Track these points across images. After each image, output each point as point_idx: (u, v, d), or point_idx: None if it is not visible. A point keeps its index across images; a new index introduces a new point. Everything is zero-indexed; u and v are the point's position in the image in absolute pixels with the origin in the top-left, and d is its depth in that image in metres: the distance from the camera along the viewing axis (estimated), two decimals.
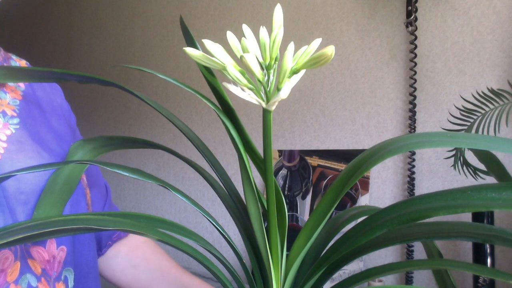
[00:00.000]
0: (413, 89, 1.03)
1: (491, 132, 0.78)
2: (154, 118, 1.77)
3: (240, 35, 0.29)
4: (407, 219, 0.29)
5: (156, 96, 1.75)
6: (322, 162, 1.22)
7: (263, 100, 0.29)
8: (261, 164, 0.33)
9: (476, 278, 0.78)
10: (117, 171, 0.30)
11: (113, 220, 0.27)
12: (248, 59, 0.26)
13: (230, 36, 0.29)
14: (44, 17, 2.46)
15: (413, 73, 1.02)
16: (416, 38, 1.01)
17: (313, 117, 1.25)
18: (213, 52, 0.28)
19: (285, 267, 0.33)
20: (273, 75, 0.28)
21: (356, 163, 0.32)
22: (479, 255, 0.78)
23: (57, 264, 0.46)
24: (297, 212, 1.24)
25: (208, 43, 0.28)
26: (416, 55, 1.02)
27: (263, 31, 0.28)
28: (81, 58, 2.18)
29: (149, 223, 0.31)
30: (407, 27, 1.03)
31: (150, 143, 0.41)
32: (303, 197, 1.24)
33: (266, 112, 0.29)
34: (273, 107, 0.29)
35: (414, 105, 1.03)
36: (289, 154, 1.30)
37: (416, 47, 1.02)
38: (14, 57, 0.56)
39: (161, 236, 0.28)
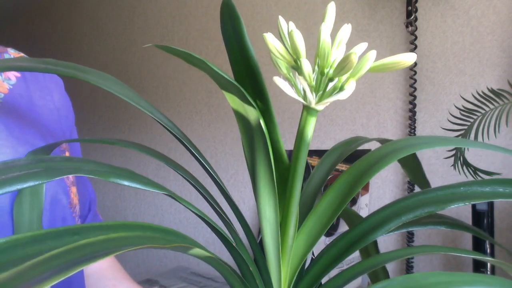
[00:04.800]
0: (413, 89, 1.03)
1: (491, 132, 0.78)
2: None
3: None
4: (425, 212, 0.30)
5: (156, 96, 1.75)
6: None
7: (314, 99, 0.27)
8: (284, 168, 0.32)
9: None
10: (114, 180, 0.27)
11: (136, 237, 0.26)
12: (357, 55, 0.24)
13: (298, 34, 0.26)
14: (44, 17, 2.46)
15: (413, 73, 1.02)
16: (416, 38, 1.01)
17: None
18: (297, 40, 0.26)
19: (290, 269, 0.33)
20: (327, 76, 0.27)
21: (360, 166, 0.32)
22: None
23: None
24: None
25: (296, 31, 0.26)
26: (416, 55, 1.02)
27: (325, 27, 0.26)
28: (81, 58, 2.18)
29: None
30: (407, 27, 1.03)
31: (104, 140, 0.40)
32: None
33: (312, 112, 0.28)
34: (323, 107, 0.28)
35: (414, 105, 1.03)
36: (289, 154, 1.29)
37: (416, 47, 1.02)
38: (12, 51, 0.54)
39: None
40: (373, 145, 1.04)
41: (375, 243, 0.42)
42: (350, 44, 0.26)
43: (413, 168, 0.44)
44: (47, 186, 0.45)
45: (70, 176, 0.53)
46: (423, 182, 0.43)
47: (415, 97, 1.03)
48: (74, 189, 0.53)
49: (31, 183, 0.23)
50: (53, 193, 0.47)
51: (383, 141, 0.39)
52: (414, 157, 0.42)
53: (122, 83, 0.34)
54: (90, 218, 0.61)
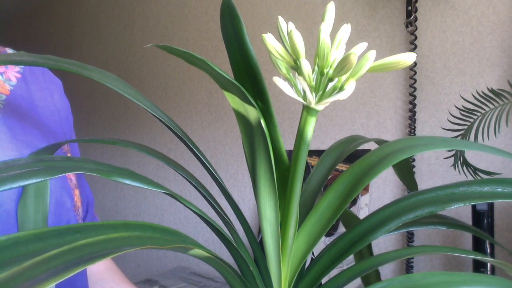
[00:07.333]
0: (413, 89, 1.03)
1: (491, 132, 0.78)
2: (154, 118, 1.77)
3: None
4: (425, 213, 0.30)
5: (156, 96, 1.75)
6: None
7: (313, 99, 0.27)
8: (284, 168, 0.32)
9: None
10: (116, 179, 0.26)
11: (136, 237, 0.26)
12: (357, 55, 0.24)
13: (297, 34, 0.26)
14: (45, 17, 2.46)
15: (413, 73, 1.02)
16: (416, 38, 1.01)
17: None
18: (296, 41, 0.26)
19: (290, 269, 0.33)
20: (327, 75, 0.27)
21: (361, 167, 0.32)
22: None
23: None
24: None
25: (295, 31, 0.26)
26: (416, 55, 1.02)
27: (325, 27, 0.26)
28: (81, 58, 2.18)
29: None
30: (407, 27, 1.03)
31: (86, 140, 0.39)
32: None
33: (312, 112, 0.28)
34: (322, 107, 0.28)
35: (414, 105, 1.03)
36: (289, 154, 1.29)
37: (416, 47, 1.02)
38: (10, 51, 0.53)
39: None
40: (372, 145, 1.04)
41: (369, 246, 0.42)
42: (350, 44, 0.26)
43: (402, 168, 0.44)
44: (52, 189, 0.45)
45: (73, 178, 0.52)
46: (411, 182, 0.43)
47: (415, 97, 1.03)
48: (77, 192, 0.53)
49: (33, 180, 0.23)
50: (58, 196, 0.47)
51: (380, 142, 0.39)
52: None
53: (124, 82, 0.34)
54: (88, 220, 0.60)
